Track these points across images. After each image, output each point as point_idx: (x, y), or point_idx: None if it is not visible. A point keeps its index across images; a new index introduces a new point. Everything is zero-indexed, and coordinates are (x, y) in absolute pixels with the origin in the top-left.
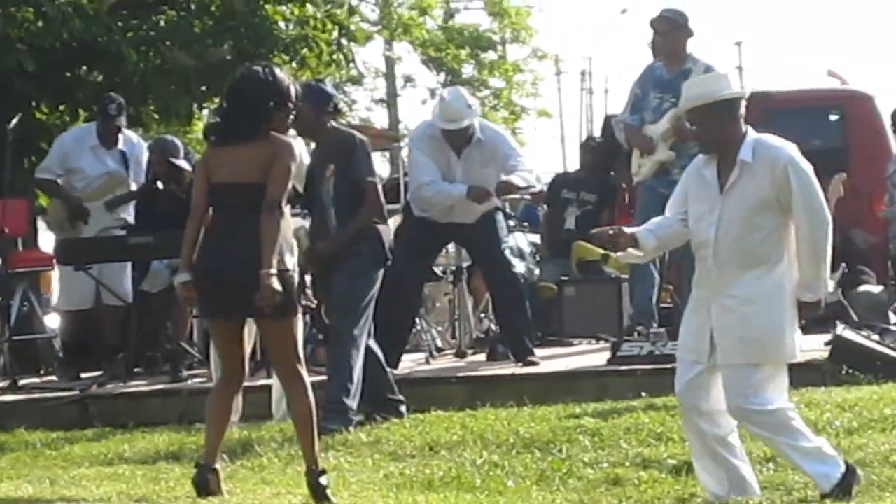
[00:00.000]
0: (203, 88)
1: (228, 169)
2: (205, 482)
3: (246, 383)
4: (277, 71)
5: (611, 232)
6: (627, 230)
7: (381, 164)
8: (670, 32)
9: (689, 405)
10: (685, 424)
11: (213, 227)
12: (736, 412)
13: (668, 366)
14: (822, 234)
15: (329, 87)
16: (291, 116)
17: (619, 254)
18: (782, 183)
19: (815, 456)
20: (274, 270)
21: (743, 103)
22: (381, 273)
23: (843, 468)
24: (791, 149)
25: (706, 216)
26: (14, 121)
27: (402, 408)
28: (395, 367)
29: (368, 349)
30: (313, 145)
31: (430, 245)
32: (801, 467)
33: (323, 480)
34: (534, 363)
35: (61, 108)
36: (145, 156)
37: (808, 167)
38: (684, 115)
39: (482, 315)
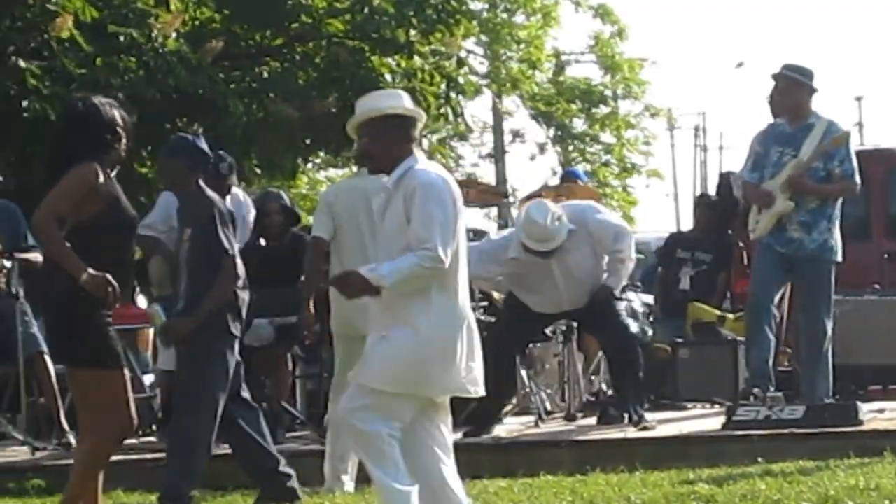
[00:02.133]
0: (307, 141)
1: None
2: None
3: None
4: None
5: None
6: None
7: (486, 221)
8: (790, 88)
9: None
10: None
11: None
12: None
13: (786, 431)
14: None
15: (205, 146)
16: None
17: None
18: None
19: None
20: (85, 274)
21: (416, 124)
22: (228, 347)
23: None
24: (433, 176)
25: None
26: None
27: (292, 482)
28: (494, 425)
29: (238, 427)
30: None
31: (538, 319)
32: None
33: None
34: (645, 428)
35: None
36: (252, 214)
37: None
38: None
39: (592, 376)
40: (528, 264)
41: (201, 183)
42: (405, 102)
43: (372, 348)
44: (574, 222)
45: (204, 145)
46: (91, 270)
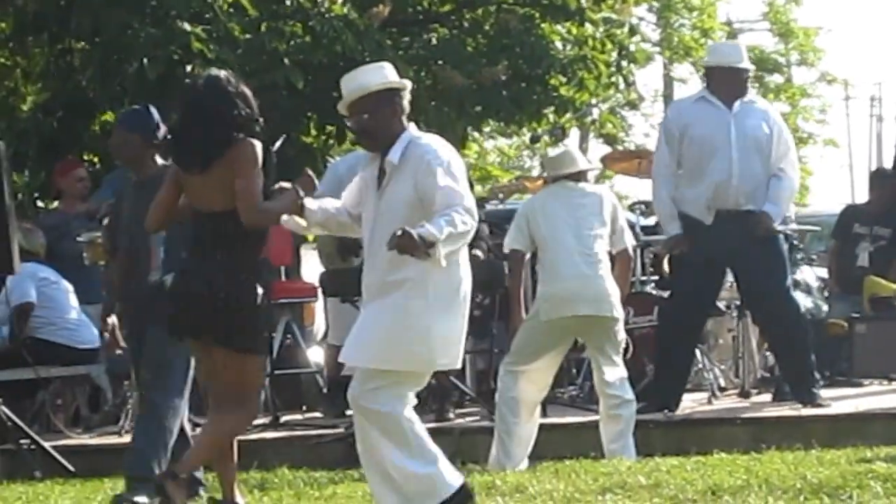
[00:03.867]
0: (477, 109)
1: (199, 196)
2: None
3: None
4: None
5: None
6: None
7: None
8: None
9: None
10: None
11: (190, 249)
12: None
13: None
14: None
15: (157, 117)
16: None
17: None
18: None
19: None
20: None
21: (405, 95)
22: None
23: None
24: (438, 143)
25: (367, 220)
26: (278, 142)
27: (201, 490)
28: (676, 407)
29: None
30: None
31: (711, 276)
32: None
33: None
34: (820, 405)
35: (328, 129)
36: None
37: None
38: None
39: (768, 352)
40: None
41: (157, 158)
42: (391, 75)
43: (371, 327)
44: None
45: (157, 117)
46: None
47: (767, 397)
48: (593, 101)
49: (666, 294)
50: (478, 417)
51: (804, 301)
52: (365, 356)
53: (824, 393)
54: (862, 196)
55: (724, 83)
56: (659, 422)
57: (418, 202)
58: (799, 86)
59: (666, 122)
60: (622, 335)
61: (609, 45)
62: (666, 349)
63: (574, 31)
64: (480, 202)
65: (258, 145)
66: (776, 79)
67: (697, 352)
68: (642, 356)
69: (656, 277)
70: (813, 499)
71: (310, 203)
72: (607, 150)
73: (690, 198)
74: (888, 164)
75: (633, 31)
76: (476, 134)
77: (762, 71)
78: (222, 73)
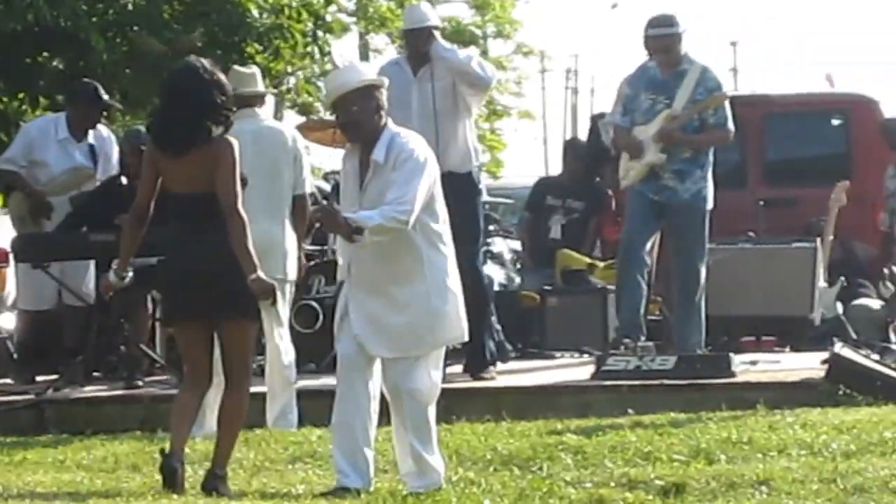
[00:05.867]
0: None
1: (181, 177)
2: (172, 471)
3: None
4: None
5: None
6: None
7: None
8: (664, 45)
9: None
10: None
11: (177, 232)
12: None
13: (656, 382)
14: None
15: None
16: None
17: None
18: None
19: None
20: (259, 273)
21: (383, 92)
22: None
23: None
24: (417, 142)
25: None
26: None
27: None
28: None
29: None
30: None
31: None
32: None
33: (222, 489)
34: (483, 378)
35: (20, 96)
36: (115, 150)
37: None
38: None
39: None
40: None
41: None
42: (370, 73)
43: (389, 320)
44: None
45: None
46: None
47: (459, 368)
48: (289, 69)
49: None
50: (166, 385)
51: (497, 273)
52: (399, 347)
53: (516, 365)
54: (556, 169)
55: (408, 46)
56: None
57: None
58: (495, 58)
59: None
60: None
61: (305, 15)
62: None
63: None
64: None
65: (236, 146)
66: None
67: None
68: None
69: None
70: (503, 470)
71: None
72: (302, 119)
73: None
74: (583, 137)
75: (329, 1)
76: None
77: (458, 43)
78: (200, 62)
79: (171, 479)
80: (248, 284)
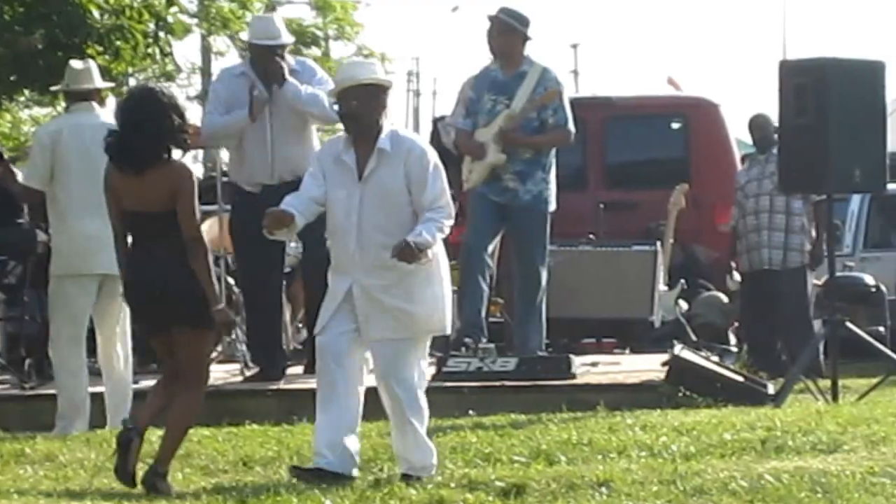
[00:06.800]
0: (12, 78)
1: (137, 196)
2: (128, 441)
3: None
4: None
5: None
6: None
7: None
8: (507, 33)
9: None
10: None
11: (130, 251)
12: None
13: (497, 383)
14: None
15: None
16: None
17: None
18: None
19: None
20: (222, 305)
21: (388, 94)
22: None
23: None
24: (421, 140)
25: (343, 202)
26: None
27: None
28: None
29: None
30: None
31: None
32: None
33: (160, 485)
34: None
35: None
36: None
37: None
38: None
39: (300, 325)
40: None
41: None
42: (381, 73)
43: (385, 306)
44: None
45: None
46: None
47: (300, 370)
48: (130, 70)
49: None
50: (8, 385)
51: None
52: (395, 330)
53: None
54: None
55: (259, 60)
56: None
57: (405, 188)
58: (336, 60)
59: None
60: None
61: (147, 16)
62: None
63: (111, 0)
64: None
65: (195, 174)
66: (314, 52)
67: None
68: None
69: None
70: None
71: (298, 219)
72: None
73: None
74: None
75: (171, 2)
76: (10, 103)
77: (300, 44)
78: (157, 86)
79: (126, 448)
80: (199, 296)
